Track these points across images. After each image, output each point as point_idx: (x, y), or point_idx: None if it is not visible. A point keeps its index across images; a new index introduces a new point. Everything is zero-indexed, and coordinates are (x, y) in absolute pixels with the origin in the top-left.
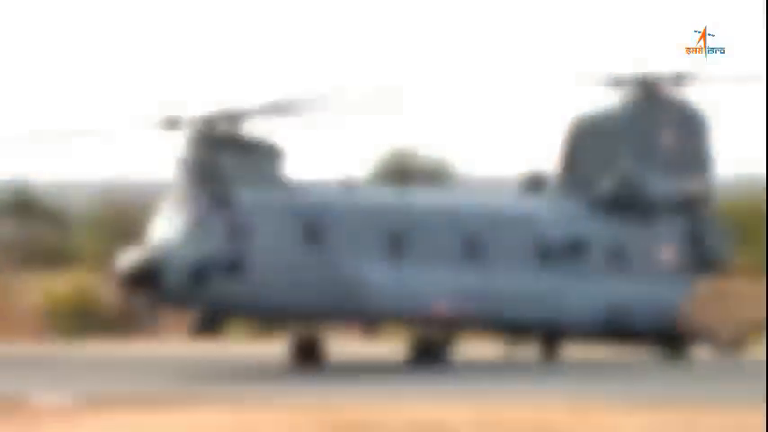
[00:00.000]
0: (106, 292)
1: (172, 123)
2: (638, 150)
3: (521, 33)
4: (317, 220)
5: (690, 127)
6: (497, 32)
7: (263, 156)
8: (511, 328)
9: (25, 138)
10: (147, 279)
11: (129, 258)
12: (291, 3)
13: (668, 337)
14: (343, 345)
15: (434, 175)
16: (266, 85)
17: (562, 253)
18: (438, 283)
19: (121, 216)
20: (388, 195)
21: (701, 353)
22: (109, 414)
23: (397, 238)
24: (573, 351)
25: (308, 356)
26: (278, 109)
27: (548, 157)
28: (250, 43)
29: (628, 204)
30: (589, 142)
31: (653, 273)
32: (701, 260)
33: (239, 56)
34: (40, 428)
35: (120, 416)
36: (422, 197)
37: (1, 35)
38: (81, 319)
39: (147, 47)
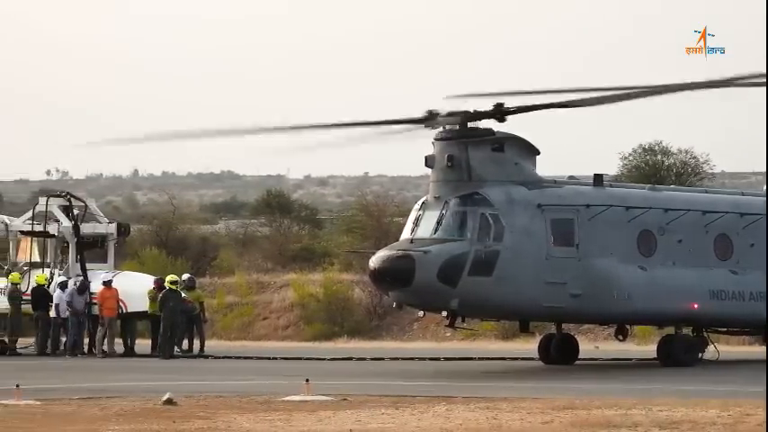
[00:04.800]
0: (358, 291)
1: (430, 119)
2: None
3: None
4: (568, 218)
5: None
6: (740, 25)
7: (515, 153)
8: (764, 327)
9: (281, 135)
10: (398, 278)
11: (381, 257)
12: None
13: None
14: (593, 343)
15: (685, 172)
16: (518, 82)
17: None
18: (690, 283)
19: (373, 213)
20: (640, 193)
21: None
22: (360, 412)
23: (649, 236)
24: None
25: (558, 355)
26: (528, 106)
27: None
28: (502, 41)
29: None
30: None
31: None
32: None
33: (494, 51)
34: (292, 425)
35: (370, 414)
36: (673, 194)
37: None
38: (332, 317)
39: (402, 43)
